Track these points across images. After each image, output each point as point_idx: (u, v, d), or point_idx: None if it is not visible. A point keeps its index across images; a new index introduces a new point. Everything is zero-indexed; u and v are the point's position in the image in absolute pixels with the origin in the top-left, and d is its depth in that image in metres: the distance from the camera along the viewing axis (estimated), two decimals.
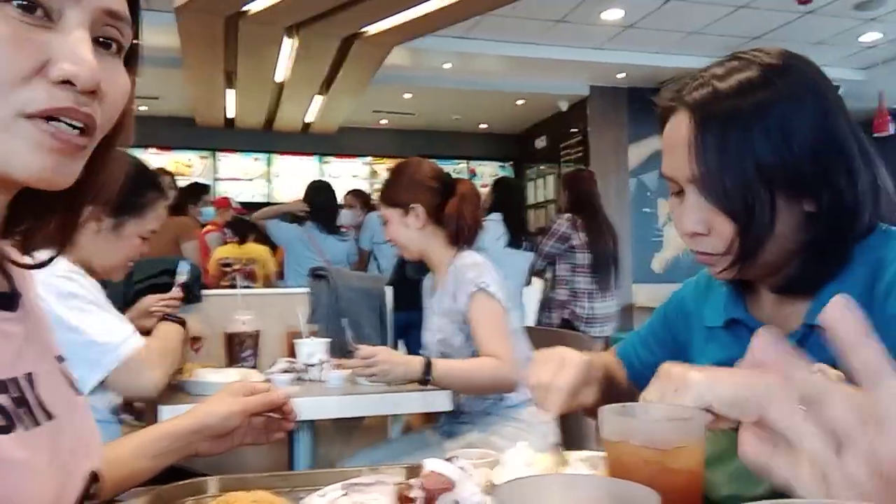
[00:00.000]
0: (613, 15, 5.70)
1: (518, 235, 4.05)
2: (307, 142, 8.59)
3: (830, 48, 6.20)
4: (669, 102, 0.95)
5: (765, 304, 0.99)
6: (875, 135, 6.41)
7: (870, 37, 6.15)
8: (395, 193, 2.08)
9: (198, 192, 5.38)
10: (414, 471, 0.91)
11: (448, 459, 0.84)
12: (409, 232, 2.06)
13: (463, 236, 2.05)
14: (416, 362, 1.83)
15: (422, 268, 2.22)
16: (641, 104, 7.43)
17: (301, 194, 4.67)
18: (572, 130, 7.89)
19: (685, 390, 0.65)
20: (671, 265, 7.52)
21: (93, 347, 1.47)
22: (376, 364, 1.82)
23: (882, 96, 6.62)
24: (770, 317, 0.97)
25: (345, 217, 4.98)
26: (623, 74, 7.11)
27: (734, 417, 0.66)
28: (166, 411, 1.59)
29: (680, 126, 0.91)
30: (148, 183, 1.75)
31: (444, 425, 2.09)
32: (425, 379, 1.81)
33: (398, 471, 0.97)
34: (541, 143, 8.77)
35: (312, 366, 2.03)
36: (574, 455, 0.96)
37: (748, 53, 0.93)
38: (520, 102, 8.01)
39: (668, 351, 1.15)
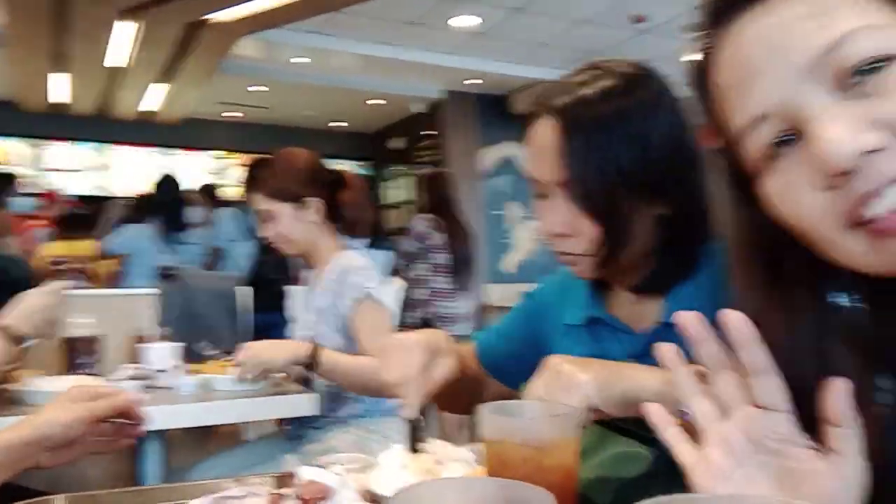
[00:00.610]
0: (465, 21, 5.84)
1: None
2: (148, 132, 8.03)
3: (663, 66, 6.72)
4: (535, 107, 0.97)
5: (622, 302, 1.04)
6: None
7: (694, 56, 6.74)
8: (286, 186, 1.96)
9: (2, 181, 4.84)
10: (284, 480, 0.89)
11: (321, 466, 0.83)
12: (302, 227, 1.97)
13: (362, 227, 2.00)
14: (302, 347, 1.77)
15: (280, 267, 2.15)
16: (493, 110, 7.69)
17: (139, 188, 4.38)
18: (427, 133, 7.99)
19: (574, 391, 0.68)
20: (522, 266, 7.83)
21: None
22: (258, 357, 1.74)
23: None
24: (627, 315, 1.03)
25: (193, 214, 4.73)
26: (475, 80, 7.30)
27: (617, 415, 0.71)
28: None
29: (546, 131, 0.93)
30: None
31: (298, 429, 2.04)
32: (308, 364, 1.74)
33: (267, 480, 0.94)
34: (396, 143, 8.80)
35: (162, 371, 1.91)
36: (445, 455, 0.97)
37: (608, 63, 0.98)
38: (375, 102, 8.00)
39: (527, 345, 1.18)
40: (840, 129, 0.47)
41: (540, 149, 0.94)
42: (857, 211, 0.48)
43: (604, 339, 1.04)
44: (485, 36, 6.17)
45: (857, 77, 0.48)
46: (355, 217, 2.04)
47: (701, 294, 0.92)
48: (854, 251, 0.50)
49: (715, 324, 0.90)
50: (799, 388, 0.54)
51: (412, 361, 0.91)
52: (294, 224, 1.96)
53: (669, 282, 0.96)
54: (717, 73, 0.57)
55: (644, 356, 0.97)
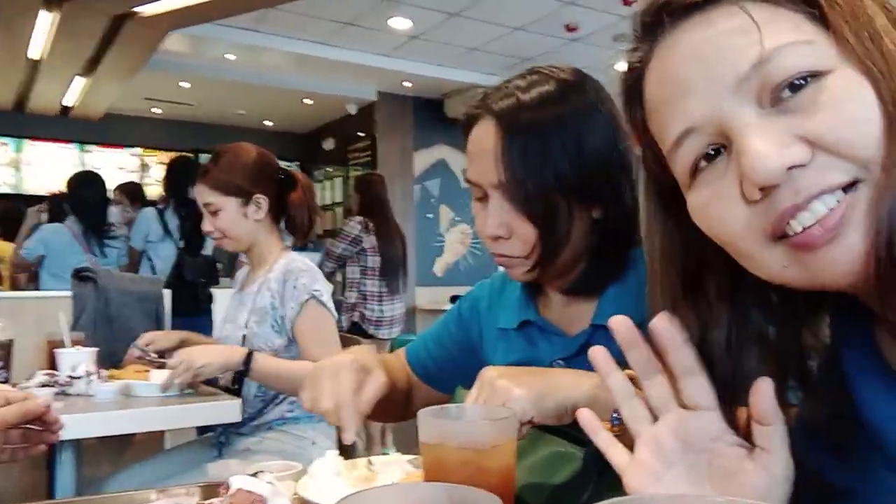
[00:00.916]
0: (400, 24, 5.83)
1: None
2: (67, 127, 7.68)
3: (592, 74, 6.88)
4: (475, 110, 0.98)
5: (554, 306, 1.05)
6: None
7: (625, 67, 6.93)
8: (233, 180, 1.91)
9: None
10: (211, 490, 0.85)
11: (253, 475, 0.80)
12: (246, 224, 1.93)
13: (305, 231, 1.98)
14: (236, 353, 1.73)
15: (203, 270, 2.09)
16: (427, 113, 7.70)
17: (56, 185, 4.17)
18: (360, 134, 7.93)
19: (512, 404, 0.70)
20: (451, 269, 7.86)
21: None
22: (192, 364, 1.68)
23: None
24: (559, 318, 1.04)
25: (114, 214, 4.52)
26: (409, 83, 7.30)
27: (553, 424, 0.72)
28: None
29: (486, 134, 0.94)
30: None
31: (222, 436, 1.97)
32: (242, 371, 1.72)
33: (194, 490, 0.90)
34: (328, 144, 8.70)
35: (78, 378, 1.81)
36: (378, 460, 0.96)
37: (546, 68, 0.99)
38: (308, 102, 7.89)
39: (460, 350, 1.18)
40: (767, 144, 0.48)
41: (480, 151, 0.95)
42: (780, 225, 0.49)
43: (536, 341, 1.05)
44: (419, 39, 6.18)
45: (785, 92, 0.49)
46: (301, 219, 1.99)
47: (629, 295, 0.95)
48: (774, 265, 0.51)
49: (644, 325, 0.93)
50: (716, 389, 0.56)
51: (343, 387, 0.89)
52: (238, 219, 1.92)
53: (600, 284, 0.98)
54: (648, 87, 0.58)
55: (576, 358, 0.98)
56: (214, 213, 1.92)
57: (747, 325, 0.57)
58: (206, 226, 1.95)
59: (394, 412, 1.19)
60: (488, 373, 0.79)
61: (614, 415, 0.75)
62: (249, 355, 1.72)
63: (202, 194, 1.93)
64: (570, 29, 5.95)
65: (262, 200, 1.93)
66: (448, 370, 1.17)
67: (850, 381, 0.55)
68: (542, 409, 0.73)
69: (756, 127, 0.49)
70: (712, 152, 0.52)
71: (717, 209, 0.52)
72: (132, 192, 5.03)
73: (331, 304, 1.89)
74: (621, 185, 0.95)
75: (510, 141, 0.91)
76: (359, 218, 4.17)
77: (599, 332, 0.97)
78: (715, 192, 0.52)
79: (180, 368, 1.69)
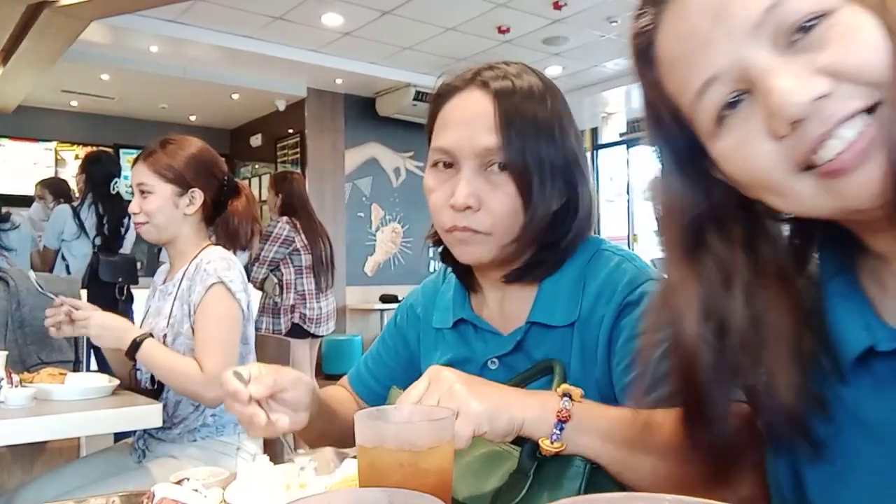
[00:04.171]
0: (333, 20, 5.76)
1: None
2: None
3: None
4: (458, 83, 0.98)
5: (489, 305, 1.05)
6: None
7: (553, 70, 7.06)
8: (175, 167, 1.86)
9: None
10: (133, 499, 0.81)
11: (178, 482, 0.76)
12: (175, 214, 1.87)
13: (242, 240, 1.96)
14: (130, 334, 1.71)
15: (121, 269, 2.01)
16: (358, 111, 7.63)
17: None
18: (290, 131, 7.80)
19: (468, 419, 0.71)
20: (382, 268, 7.82)
21: None
22: (88, 325, 1.71)
23: None
24: (494, 317, 1.04)
25: (35, 211, 4.28)
26: (340, 80, 7.21)
27: (500, 440, 0.74)
28: None
29: (477, 102, 0.94)
30: None
31: (139, 440, 1.90)
32: (132, 352, 1.70)
33: (114, 500, 0.85)
34: (256, 140, 8.52)
35: None
36: (307, 464, 0.93)
37: (518, 64, 1.01)
38: (235, 97, 7.70)
39: (402, 360, 1.18)
40: (791, 81, 0.51)
41: (468, 117, 0.94)
42: (809, 156, 0.52)
43: (471, 340, 1.05)
44: (351, 36, 6.12)
45: (798, 34, 0.52)
46: (243, 230, 1.96)
47: (563, 290, 0.97)
48: (803, 195, 0.54)
49: (577, 322, 0.94)
50: (721, 330, 0.59)
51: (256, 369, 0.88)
52: (167, 207, 1.86)
53: (539, 274, 0.99)
54: (661, 47, 0.60)
55: (510, 356, 0.98)
56: (145, 195, 1.86)
57: (766, 266, 0.61)
58: (134, 206, 1.89)
59: (339, 438, 1.15)
60: (443, 373, 0.77)
61: (555, 432, 0.76)
62: (143, 339, 1.70)
63: (140, 173, 1.88)
64: (501, 31, 6.01)
65: (198, 196, 1.88)
66: (389, 385, 1.16)
67: (828, 310, 0.59)
68: (495, 427, 0.74)
69: (776, 67, 0.52)
70: (735, 100, 0.55)
71: (745, 150, 0.54)
72: (55, 188, 4.77)
73: (242, 299, 1.81)
74: (582, 182, 0.98)
75: (507, 111, 0.92)
76: (285, 218, 4.11)
77: (534, 330, 0.97)
78: (741, 135, 0.54)
79: (79, 323, 1.72)
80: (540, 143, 0.93)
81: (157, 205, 1.85)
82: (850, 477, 0.58)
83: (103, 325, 1.74)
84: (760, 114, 0.53)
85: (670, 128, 0.61)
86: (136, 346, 1.70)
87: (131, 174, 1.93)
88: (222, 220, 1.97)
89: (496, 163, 0.93)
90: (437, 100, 1.00)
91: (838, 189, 0.52)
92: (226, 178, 1.98)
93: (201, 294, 1.77)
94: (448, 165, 0.96)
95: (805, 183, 0.53)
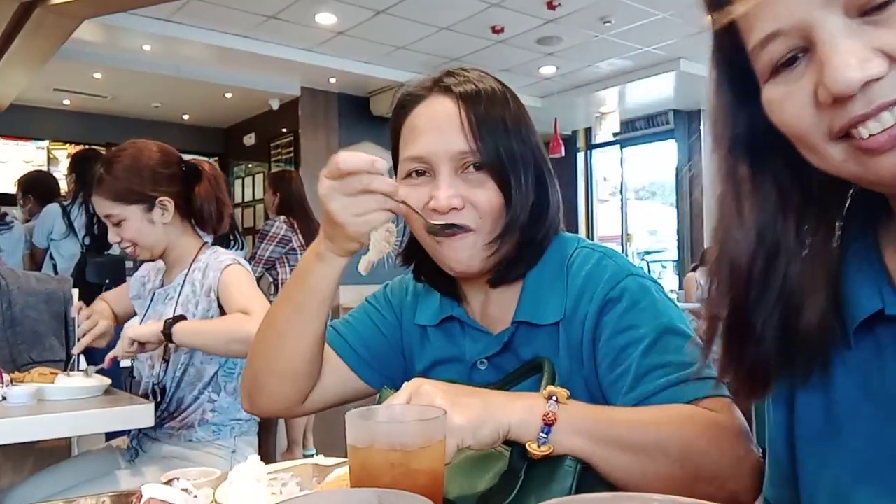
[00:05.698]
0: (327, 19, 5.75)
1: None
2: None
3: (515, 76, 6.99)
4: (421, 91, 0.99)
5: (474, 306, 1.06)
6: (550, 156, 7.41)
7: (547, 70, 7.07)
8: (132, 187, 1.77)
9: None
10: (122, 500, 0.81)
11: (167, 482, 0.76)
12: (155, 230, 1.80)
13: (216, 222, 1.88)
14: (156, 324, 1.69)
15: (109, 270, 1.98)
16: (352, 110, 7.61)
17: None
18: (283, 130, 7.78)
19: (449, 435, 0.70)
20: (375, 268, 7.79)
21: None
22: (130, 338, 1.68)
23: (556, 123, 7.69)
24: (480, 318, 1.04)
25: (21, 209, 4.26)
26: (334, 79, 7.20)
27: (485, 448, 0.76)
28: None
29: (444, 107, 0.96)
30: None
31: (133, 440, 1.88)
32: (167, 334, 1.65)
33: (104, 501, 0.85)
34: (249, 140, 8.50)
35: None
36: (282, 466, 0.93)
37: (476, 69, 1.02)
38: (228, 96, 7.68)
39: (391, 344, 1.14)
40: (849, 57, 0.50)
41: (437, 123, 0.96)
42: (847, 129, 0.52)
43: (459, 340, 1.05)
44: (346, 35, 6.11)
45: (873, 11, 0.51)
46: (208, 211, 1.86)
47: (546, 285, 0.98)
48: (834, 159, 0.54)
49: (564, 319, 0.94)
50: (771, 256, 0.60)
51: None
52: (144, 227, 1.79)
53: (521, 270, 0.99)
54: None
55: (500, 356, 0.98)
56: (118, 224, 1.80)
57: (813, 193, 0.61)
58: (113, 237, 1.82)
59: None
60: (424, 386, 0.77)
61: (541, 435, 0.76)
62: (168, 323, 1.66)
63: (100, 206, 1.79)
64: (495, 31, 6.02)
65: (168, 202, 1.80)
66: (379, 353, 1.13)
67: (844, 269, 0.61)
68: (479, 438, 0.75)
69: (841, 38, 0.51)
70: (793, 56, 0.55)
71: (789, 106, 0.55)
72: (32, 184, 4.64)
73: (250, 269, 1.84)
74: (550, 182, 1.00)
75: (476, 113, 0.95)
76: (282, 217, 4.09)
77: (521, 329, 0.97)
78: (790, 91, 0.55)
79: (125, 343, 1.68)
80: (511, 141, 0.96)
81: (135, 228, 1.79)
82: (849, 441, 0.60)
83: (134, 329, 1.73)
84: (812, 77, 0.54)
85: (730, 53, 0.61)
86: (170, 325, 1.66)
87: (95, 206, 1.83)
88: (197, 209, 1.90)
89: (472, 164, 0.94)
90: (400, 111, 1.01)
91: (867, 164, 0.53)
92: (183, 167, 1.88)
93: (217, 275, 1.76)
94: (420, 173, 0.97)
95: (837, 149, 0.54)
